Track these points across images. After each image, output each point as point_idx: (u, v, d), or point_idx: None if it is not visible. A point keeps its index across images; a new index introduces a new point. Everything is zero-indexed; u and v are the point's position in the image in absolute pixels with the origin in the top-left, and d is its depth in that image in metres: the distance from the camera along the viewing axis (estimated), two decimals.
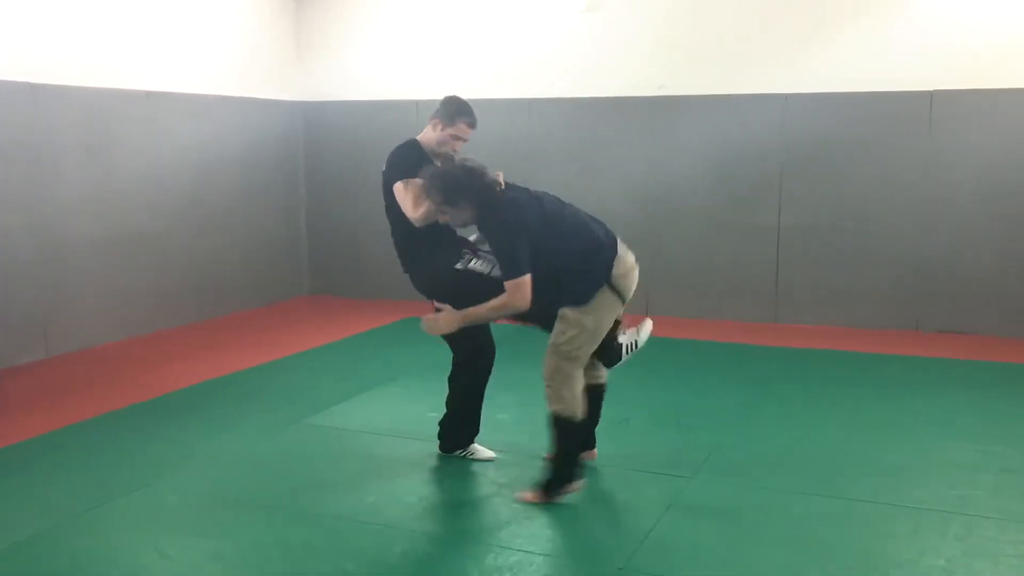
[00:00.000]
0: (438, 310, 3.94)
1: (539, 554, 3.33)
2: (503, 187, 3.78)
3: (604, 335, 3.80)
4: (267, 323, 7.54)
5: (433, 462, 4.25)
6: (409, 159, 3.97)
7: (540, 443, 4.49)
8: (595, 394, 4.00)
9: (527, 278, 3.59)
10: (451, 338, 4.05)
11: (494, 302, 3.66)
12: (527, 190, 3.89)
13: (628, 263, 3.80)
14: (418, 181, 3.84)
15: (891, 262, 7.09)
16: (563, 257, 3.70)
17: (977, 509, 3.72)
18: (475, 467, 4.20)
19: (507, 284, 3.61)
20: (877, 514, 3.69)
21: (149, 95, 6.92)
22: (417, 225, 3.88)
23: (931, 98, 6.82)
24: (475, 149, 8.44)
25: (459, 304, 3.79)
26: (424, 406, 5.07)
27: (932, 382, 5.65)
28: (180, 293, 7.29)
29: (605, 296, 3.71)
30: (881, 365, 6.08)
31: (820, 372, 5.92)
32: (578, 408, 3.71)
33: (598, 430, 4.18)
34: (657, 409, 5.12)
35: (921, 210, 6.96)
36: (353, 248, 8.49)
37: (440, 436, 4.31)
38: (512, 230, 3.64)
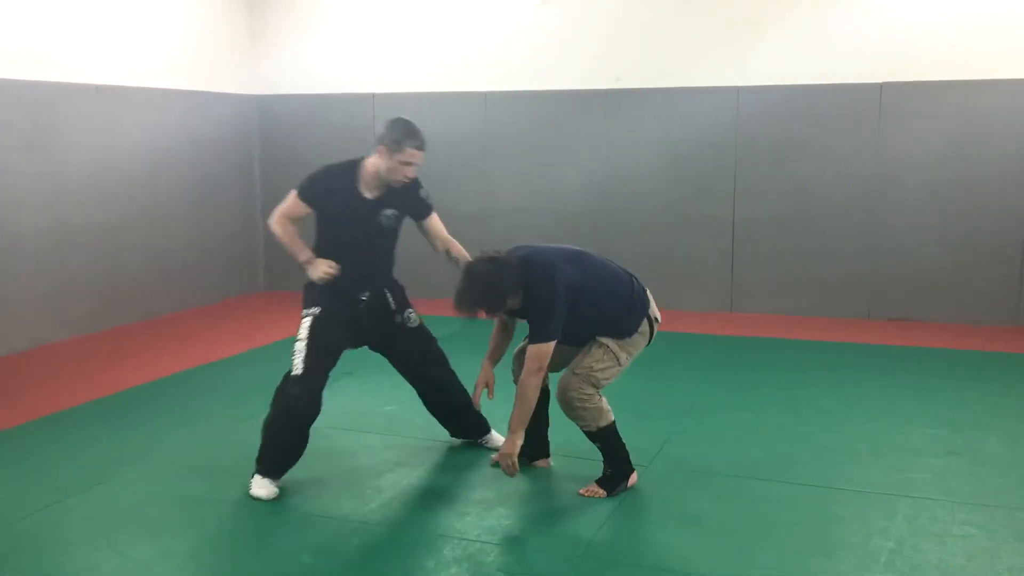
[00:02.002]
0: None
1: (496, 544, 3.35)
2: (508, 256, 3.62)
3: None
4: (221, 319, 7.47)
5: (390, 455, 4.25)
6: (325, 179, 3.92)
7: (500, 431, 4.53)
8: (541, 399, 3.93)
9: (552, 345, 3.56)
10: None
11: (522, 385, 3.63)
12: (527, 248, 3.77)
13: (655, 307, 3.89)
14: (297, 198, 3.90)
15: (843, 251, 7.21)
16: (607, 299, 3.72)
17: (924, 491, 3.81)
18: (433, 459, 4.21)
19: (532, 348, 3.58)
20: (827, 498, 3.77)
21: (99, 88, 6.81)
22: (273, 228, 3.94)
23: (880, 90, 6.93)
24: (432, 140, 8.41)
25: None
26: (381, 399, 5.07)
27: (882, 368, 5.76)
28: (131, 290, 7.18)
29: (643, 333, 3.79)
30: (832, 352, 6.19)
31: (774, 360, 6.01)
32: (610, 414, 3.78)
33: (555, 423, 4.20)
34: (612, 398, 5.14)
35: (872, 200, 7.09)
36: (309, 243, 8.41)
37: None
38: (558, 291, 3.55)
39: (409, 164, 3.85)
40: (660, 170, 7.53)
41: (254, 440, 3.85)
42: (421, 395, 4.27)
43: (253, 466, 3.81)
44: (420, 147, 3.88)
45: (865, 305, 7.22)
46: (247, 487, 3.77)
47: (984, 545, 3.32)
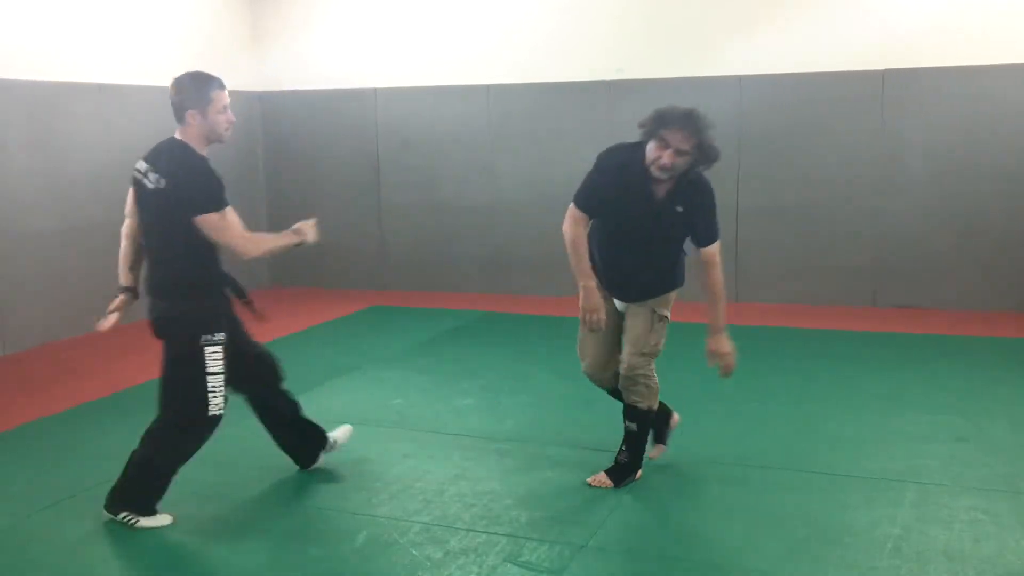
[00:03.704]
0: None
1: (503, 535, 3.36)
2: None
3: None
4: None
5: (399, 447, 4.26)
6: (212, 181, 3.44)
7: (504, 428, 4.54)
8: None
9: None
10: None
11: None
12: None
13: None
14: (231, 208, 3.44)
15: (847, 239, 7.20)
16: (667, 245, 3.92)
17: (931, 478, 3.81)
18: (441, 452, 4.22)
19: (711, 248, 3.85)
20: (833, 485, 3.77)
21: (101, 88, 6.82)
22: (244, 256, 3.53)
23: (883, 77, 6.92)
24: (435, 134, 8.44)
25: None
26: (389, 393, 5.09)
27: (887, 356, 5.76)
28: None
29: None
30: (839, 341, 6.18)
31: (778, 349, 6.01)
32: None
33: (568, 413, 4.21)
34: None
35: (876, 187, 7.07)
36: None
37: None
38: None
39: (225, 108, 3.62)
40: None
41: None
42: (256, 409, 3.92)
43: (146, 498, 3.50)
44: (222, 86, 3.69)
45: (871, 293, 7.21)
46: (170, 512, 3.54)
47: (991, 530, 3.33)
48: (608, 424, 4.57)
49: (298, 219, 3.77)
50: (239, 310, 3.71)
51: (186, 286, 3.52)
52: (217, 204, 3.39)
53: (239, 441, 4.35)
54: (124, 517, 3.46)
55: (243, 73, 8.31)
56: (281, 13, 8.37)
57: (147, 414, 4.82)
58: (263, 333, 6.50)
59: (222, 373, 3.46)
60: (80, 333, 6.71)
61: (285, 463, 4.00)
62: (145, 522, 3.46)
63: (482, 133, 7.91)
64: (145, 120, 7.22)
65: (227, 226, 3.41)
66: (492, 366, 5.65)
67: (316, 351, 6.10)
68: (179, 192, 3.39)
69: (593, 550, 3.24)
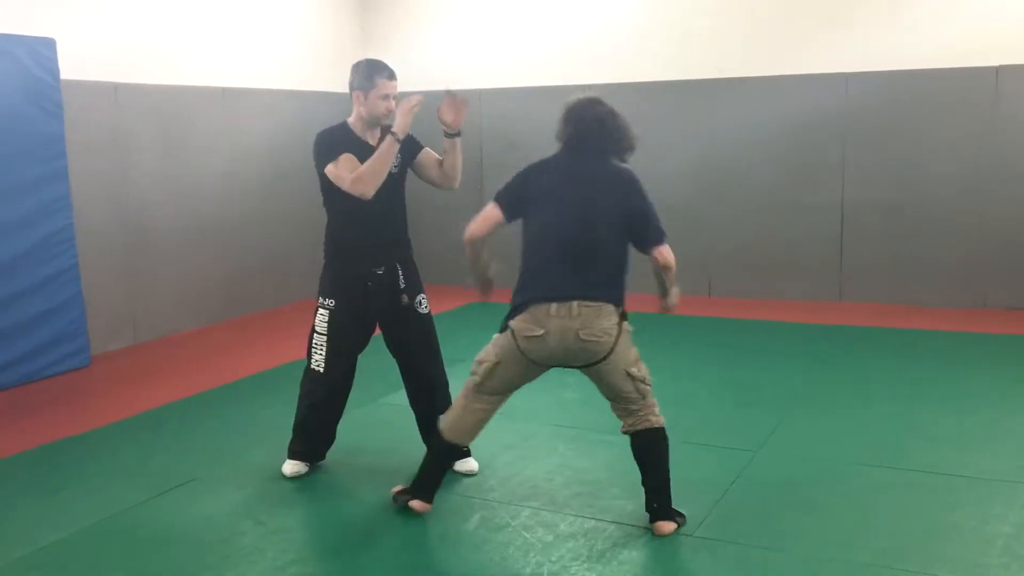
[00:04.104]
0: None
1: (611, 522, 3.47)
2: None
3: (509, 386, 3.37)
4: None
5: (503, 438, 4.37)
6: (332, 139, 3.74)
7: (607, 421, 4.65)
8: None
9: (490, 207, 3.31)
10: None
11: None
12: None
13: (543, 329, 3.14)
14: (351, 157, 3.62)
15: (957, 239, 7.05)
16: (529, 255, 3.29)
17: None
18: (545, 443, 4.35)
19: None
20: (941, 484, 3.76)
21: (224, 91, 7.19)
22: (364, 195, 3.57)
23: (996, 73, 6.75)
24: (538, 135, 8.49)
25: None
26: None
27: (998, 358, 5.65)
28: (252, 282, 7.57)
29: (507, 338, 3.25)
30: (946, 342, 6.08)
31: (884, 350, 5.94)
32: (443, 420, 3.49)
33: (669, 410, 4.27)
34: (720, 387, 5.22)
35: (987, 187, 6.91)
36: (416, 235, 8.66)
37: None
38: (526, 168, 3.38)
39: (387, 96, 3.75)
40: (765, 159, 7.50)
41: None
42: (410, 389, 4.03)
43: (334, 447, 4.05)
44: (391, 76, 3.80)
45: (981, 294, 7.04)
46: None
47: None
48: (710, 421, 4.65)
49: None
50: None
51: (326, 247, 3.95)
52: (329, 154, 3.67)
53: (341, 427, 4.55)
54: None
55: None
56: (390, 16, 8.65)
57: (267, 400, 5.13)
58: None
59: (325, 335, 3.79)
60: (204, 324, 7.10)
61: (407, 447, 4.19)
62: (285, 467, 3.96)
63: None
64: (263, 122, 7.60)
65: (339, 174, 3.64)
66: None
67: None
68: (313, 159, 3.78)
69: (698, 540, 3.32)
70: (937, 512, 3.51)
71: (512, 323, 3.22)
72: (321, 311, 3.83)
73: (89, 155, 6.14)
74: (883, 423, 4.53)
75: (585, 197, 3.28)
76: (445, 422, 3.45)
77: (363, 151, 3.68)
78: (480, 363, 3.32)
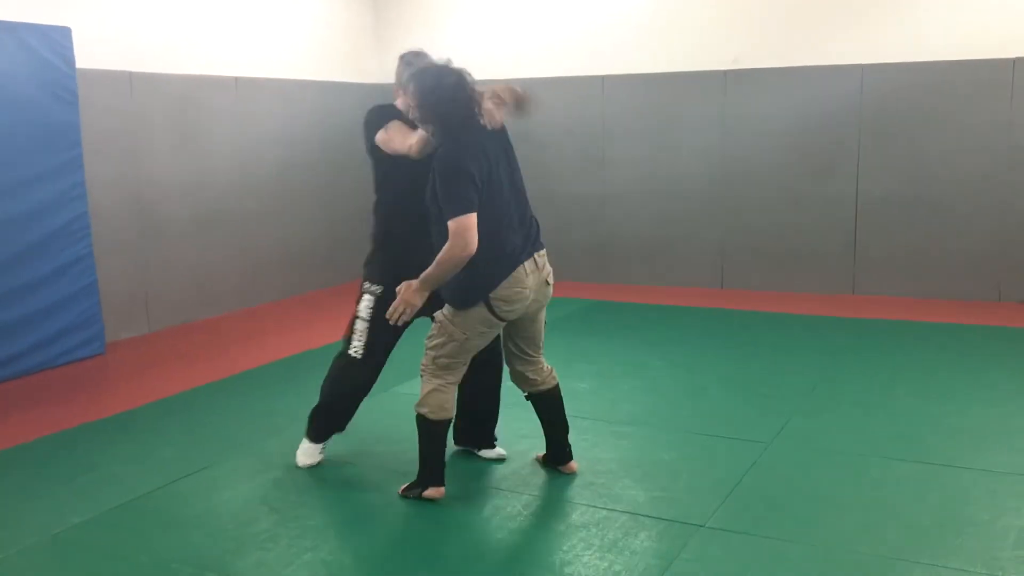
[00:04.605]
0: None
1: (623, 512, 3.48)
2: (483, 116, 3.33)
3: (475, 351, 3.51)
4: (351, 299, 7.78)
5: (516, 427, 4.38)
6: (383, 112, 3.69)
7: (619, 412, 4.67)
8: (555, 404, 3.78)
9: (471, 219, 3.19)
10: None
11: (442, 254, 3.23)
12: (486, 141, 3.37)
13: (521, 285, 3.37)
14: (399, 123, 3.56)
15: (972, 231, 7.01)
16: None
17: None
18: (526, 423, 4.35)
19: (449, 224, 3.20)
20: (956, 478, 3.75)
21: (237, 80, 7.21)
22: (414, 155, 3.48)
23: (1013, 65, 6.70)
24: (549, 127, 8.48)
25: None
26: (504, 375, 5.24)
27: (1014, 351, 5.62)
28: (266, 271, 7.60)
29: (479, 312, 3.37)
30: (960, 335, 6.06)
31: (897, 342, 5.92)
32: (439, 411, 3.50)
33: (682, 400, 4.29)
34: (734, 379, 5.22)
35: (1003, 180, 6.87)
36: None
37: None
38: (458, 166, 3.23)
39: None
40: (780, 151, 7.47)
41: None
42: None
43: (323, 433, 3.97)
44: None
45: (995, 287, 7.01)
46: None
47: None
48: (723, 413, 4.65)
49: None
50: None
51: (377, 233, 3.87)
52: (379, 123, 3.62)
53: (361, 416, 4.58)
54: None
55: (366, 66, 8.61)
56: (403, 7, 8.64)
57: (280, 388, 5.16)
58: None
59: (368, 321, 3.72)
60: (218, 313, 7.14)
61: (404, 442, 4.20)
62: (300, 457, 3.94)
63: (596, 123, 8.00)
64: (277, 112, 7.62)
65: (389, 135, 3.58)
66: (605, 352, 5.77)
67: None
68: (364, 141, 3.72)
69: (710, 530, 3.33)
70: (951, 505, 3.50)
71: (494, 294, 3.35)
72: (367, 296, 3.77)
73: (104, 144, 6.17)
74: (897, 416, 4.52)
75: (510, 172, 3.45)
76: (427, 407, 3.49)
77: (413, 125, 3.56)
78: (443, 344, 3.45)
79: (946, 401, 4.72)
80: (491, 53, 8.30)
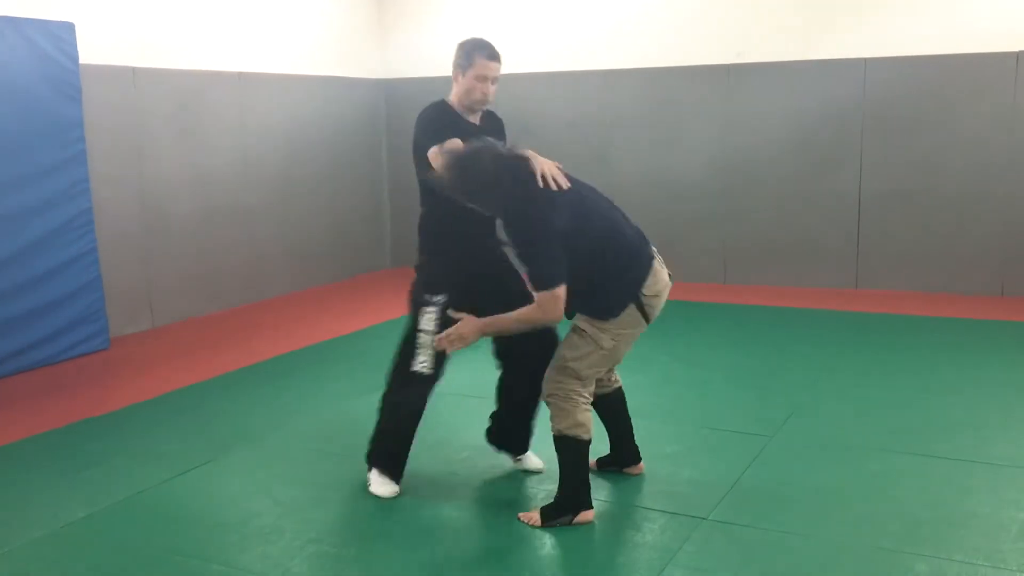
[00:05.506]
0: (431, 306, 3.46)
1: (629, 505, 3.49)
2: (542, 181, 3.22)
3: (620, 359, 3.42)
4: (353, 295, 7.82)
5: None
6: (441, 120, 3.47)
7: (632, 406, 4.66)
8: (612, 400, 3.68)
9: (562, 290, 3.08)
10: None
11: (523, 313, 3.14)
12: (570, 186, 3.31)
13: (663, 281, 3.33)
14: (456, 142, 3.33)
15: (974, 226, 7.01)
16: (593, 262, 3.22)
17: None
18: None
19: (538, 296, 3.10)
20: (957, 470, 3.76)
21: (241, 76, 7.21)
22: None
23: (1017, 59, 6.70)
24: (550, 121, 8.49)
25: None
26: None
27: (1016, 345, 5.63)
28: (269, 266, 7.61)
29: (630, 314, 3.27)
30: (963, 330, 6.06)
31: (900, 337, 5.93)
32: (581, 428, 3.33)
33: (685, 394, 4.30)
34: (737, 373, 5.23)
35: (1006, 174, 6.86)
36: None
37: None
38: (544, 232, 3.11)
39: (484, 78, 3.47)
40: (783, 145, 7.47)
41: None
42: (505, 377, 3.79)
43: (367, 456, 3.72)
44: (493, 56, 3.51)
45: (998, 281, 7.01)
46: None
47: None
48: (726, 406, 4.66)
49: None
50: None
51: (428, 240, 3.63)
52: (436, 137, 3.38)
53: (364, 412, 4.60)
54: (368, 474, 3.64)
55: (368, 61, 8.62)
56: (404, 3, 8.64)
57: (283, 383, 5.18)
58: (383, 313, 6.82)
59: (432, 333, 3.40)
60: (222, 308, 7.15)
61: (426, 431, 4.22)
62: (374, 486, 3.63)
63: (599, 118, 8.00)
64: (281, 107, 7.63)
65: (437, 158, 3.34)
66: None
67: None
68: (413, 140, 3.53)
69: (712, 523, 3.34)
70: (953, 498, 3.51)
71: (644, 289, 3.24)
72: (429, 309, 3.44)
73: (107, 139, 6.18)
74: (899, 409, 4.53)
75: (594, 194, 3.41)
76: (582, 427, 3.28)
77: (466, 132, 3.43)
78: (589, 354, 3.26)
79: (948, 395, 4.73)
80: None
